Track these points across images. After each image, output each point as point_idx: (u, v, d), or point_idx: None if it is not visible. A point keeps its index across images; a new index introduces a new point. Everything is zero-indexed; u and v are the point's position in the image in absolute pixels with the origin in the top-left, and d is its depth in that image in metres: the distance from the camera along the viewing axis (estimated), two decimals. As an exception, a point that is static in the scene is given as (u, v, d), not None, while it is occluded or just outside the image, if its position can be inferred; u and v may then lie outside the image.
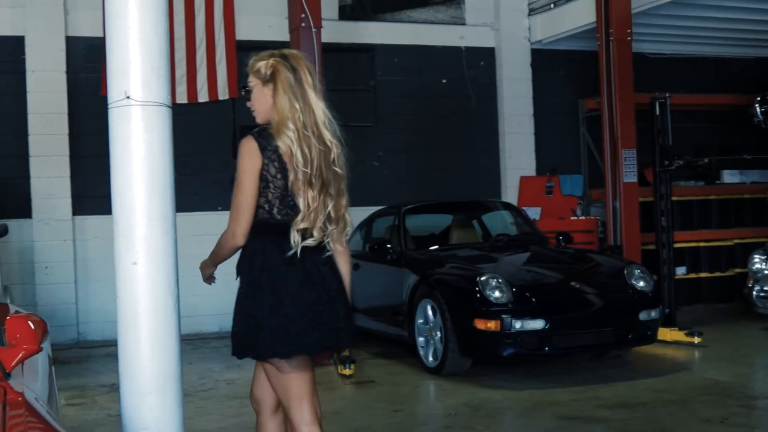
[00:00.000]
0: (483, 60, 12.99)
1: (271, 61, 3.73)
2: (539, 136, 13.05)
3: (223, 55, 11.73)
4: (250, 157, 3.61)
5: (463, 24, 12.93)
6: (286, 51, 3.81)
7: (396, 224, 9.76)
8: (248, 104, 3.80)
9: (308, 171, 3.64)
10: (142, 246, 3.03)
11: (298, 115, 3.67)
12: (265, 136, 3.68)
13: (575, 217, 12.66)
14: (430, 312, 8.24)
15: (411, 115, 12.58)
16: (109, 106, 3.08)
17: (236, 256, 3.71)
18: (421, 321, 8.40)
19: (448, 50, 12.83)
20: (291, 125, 3.65)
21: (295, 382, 3.71)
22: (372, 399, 7.35)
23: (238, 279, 3.64)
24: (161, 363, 3.00)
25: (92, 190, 11.11)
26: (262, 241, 3.63)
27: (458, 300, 7.96)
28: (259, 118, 3.78)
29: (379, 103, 12.52)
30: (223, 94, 11.75)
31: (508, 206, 10.80)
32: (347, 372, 8.17)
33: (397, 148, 12.52)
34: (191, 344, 10.43)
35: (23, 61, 10.93)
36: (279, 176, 3.64)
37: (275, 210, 3.65)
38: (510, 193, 12.82)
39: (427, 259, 8.97)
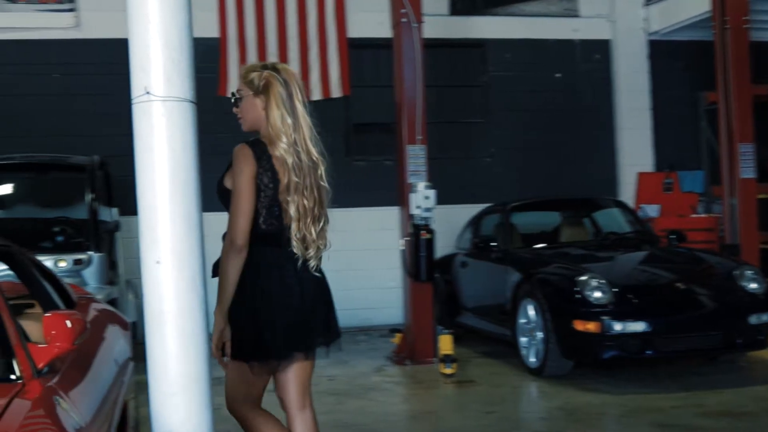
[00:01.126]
0: (598, 53, 12.70)
1: (264, 73, 3.85)
2: (657, 131, 12.68)
3: (335, 53, 11.81)
4: (247, 162, 3.69)
5: (577, 16, 12.67)
6: (279, 65, 3.95)
7: (502, 222, 9.68)
8: (235, 110, 3.92)
9: (299, 180, 3.74)
10: (165, 245, 3.05)
11: (290, 130, 3.79)
12: (258, 145, 3.77)
13: (695, 215, 12.28)
14: (532, 311, 8.13)
15: (523, 111, 12.41)
16: (132, 103, 3.14)
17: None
18: (523, 320, 8.30)
19: (562, 43, 12.60)
20: (284, 138, 3.76)
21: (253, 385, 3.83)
22: (468, 399, 7.31)
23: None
24: (187, 363, 3.03)
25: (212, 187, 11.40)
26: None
27: (558, 300, 7.84)
28: (245, 127, 3.91)
29: (491, 98, 12.40)
30: (336, 91, 11.85)
31: (619, 204, 10.55)
32: (448, 371, 8.15)
33: (510, 145, 12.38)
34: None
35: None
36: (270, 185, 3.73)
37: (261, 219, 3.73)
38: (626, 190, 12.52)
39: (531, 258, 8.86)
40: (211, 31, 10.97)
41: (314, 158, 3.87)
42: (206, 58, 11.19)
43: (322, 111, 11.56)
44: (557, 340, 7.69)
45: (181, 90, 3.06)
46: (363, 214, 11.72)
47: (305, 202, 3.76)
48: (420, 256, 8.81)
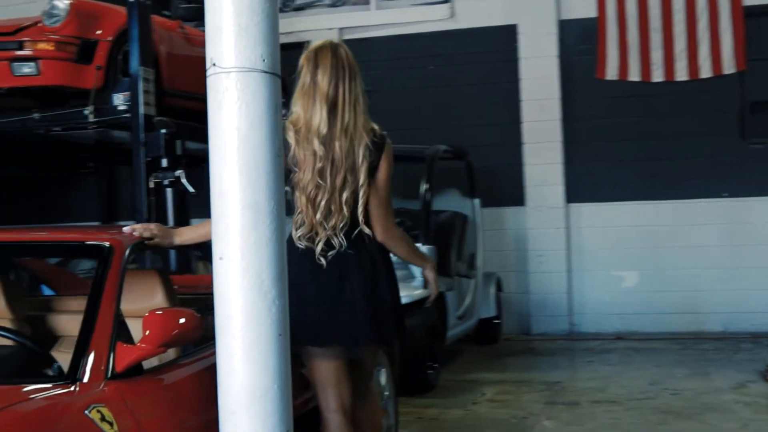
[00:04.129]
0: None
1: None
2: None
3: (728, 23, 10.50)
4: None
5: None
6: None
7: None
8: None
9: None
10: (228, 238, 2.51)
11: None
12: None
13: None
14: None
15: None
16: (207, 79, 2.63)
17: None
18: None
19: None
20: None
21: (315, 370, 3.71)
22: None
23: None
24: (249, 377, 2.48)
25: (586, 177, 10.78)
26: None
27: None
28: None
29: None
30: (728, 67, 10.56)
31: None
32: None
33: None
34: (681, 344, 9.55)
35: (515, 49, 10.89)
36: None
37: None
38: None
39: None
40: (588, 11, 10.34)
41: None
42: (583, 40, 10.58)
43: (711, 90, 10.56)
44: None
45: (250, 59, 2.51)
46: (760, 204, 10.33)
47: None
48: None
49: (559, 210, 10.78)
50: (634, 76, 10.27)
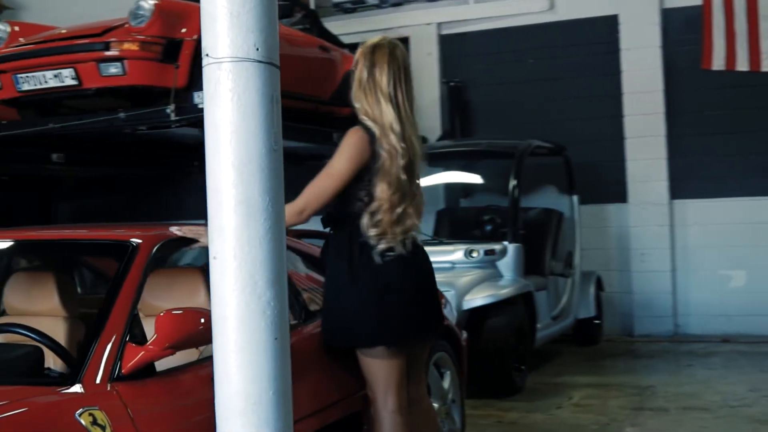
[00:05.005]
0: None
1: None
2: None
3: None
4: None
5: None
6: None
7: None
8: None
9: None
10: (223, 236, 2.38)
11: None
12: None
13: None
14: None
15: None
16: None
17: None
18: None
19: None
20: None
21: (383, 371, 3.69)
22: None
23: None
24: (243, 381, 2.35)
25: (691, 172, 10.32)
26: None
27: None
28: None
29: None
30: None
31: None
32: None
33: None
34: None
35: (617, 40, 10.53)
36: None
37: None
38: None
39: None
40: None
41: None
42: (688, 29, 10.15)
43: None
44: None
45: (242, 48, 2.37)
46: None
47: None
48: None
49: (663, 207, 10.36)
50: (743, 65, 9.79)
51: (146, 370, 2.77)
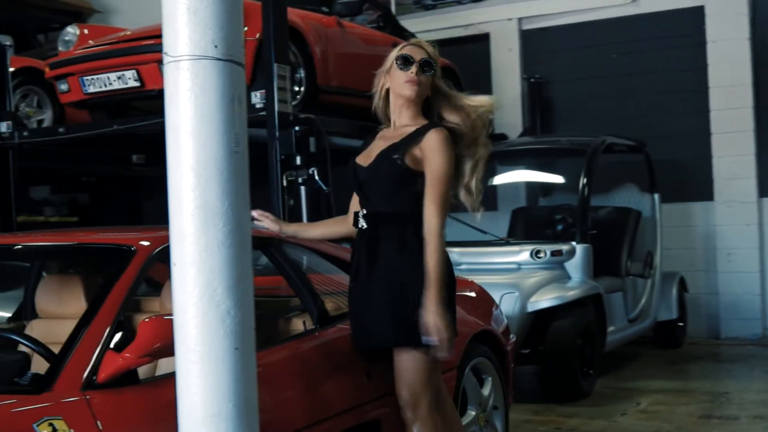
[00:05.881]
0: None
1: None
2: None
3: None
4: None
5: None
6: None
7: None
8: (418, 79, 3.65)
9: None
10: (183, 242, 2.29)
11: None
12: None
13: None
14: None
15: None
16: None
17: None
18: None
19: None
20: None
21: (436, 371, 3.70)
22: None
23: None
24: (202, 393, 2.26)
25: (782, 170, 9.89)
26: None
27: None
28: (414, 97, 3.67)
29: None
30: None
31: None
32: None
33: None
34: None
35: (703, 33, 10.14)
36: None
37: None
38: None
39: None
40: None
41: None
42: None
43: None
44: None
45: (200, 46, 2.29)
46: None
47: None
48: None
49: (751, 205, 9.92)
50: (836, 56, 9.34)
51: (127, 378, 2.71)
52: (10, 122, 8.04)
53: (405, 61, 3.63)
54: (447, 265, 3.59)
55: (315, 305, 3.73)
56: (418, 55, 3.66)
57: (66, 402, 2.56)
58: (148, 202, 12.34)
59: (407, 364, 3.58)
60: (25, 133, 7.99)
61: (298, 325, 3.75)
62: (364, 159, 3.74)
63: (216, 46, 2.32)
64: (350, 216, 3.86)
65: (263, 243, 3.75)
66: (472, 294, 4.88)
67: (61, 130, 7.81)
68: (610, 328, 7.78)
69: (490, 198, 10.55)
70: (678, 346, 9.36)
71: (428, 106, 3.77)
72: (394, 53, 3.71)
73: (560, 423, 6.23)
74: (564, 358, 6.91)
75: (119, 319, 2.86)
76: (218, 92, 2.32)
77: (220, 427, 2.29)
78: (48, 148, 8.26)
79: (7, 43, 8.72)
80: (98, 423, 2.54)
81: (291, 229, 3.93)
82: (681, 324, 9.41)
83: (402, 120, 3.72)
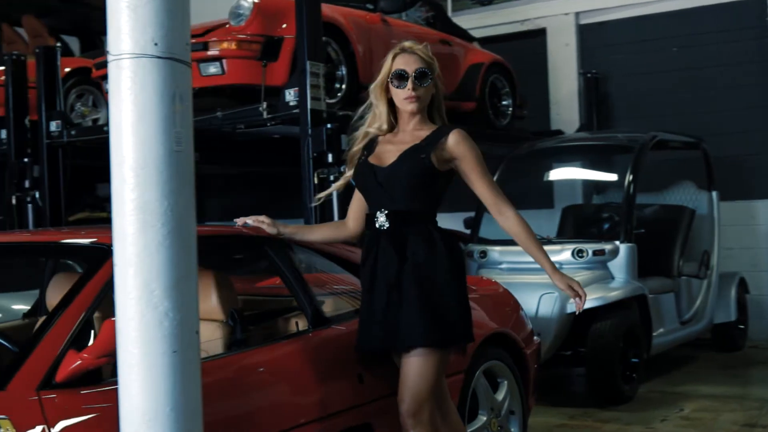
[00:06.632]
0: None
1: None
2: None
3: None
4: None
5: None
6: None
7: None
8: (416, 91, 3.59)
9: None
10: (124, 243, 2.24)
11: None
12: None
13: None
14: None
15: None
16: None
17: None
18: None
19: None
20: None
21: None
22: None
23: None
24: (140, 396, 2.21)
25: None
26: None
27: None
28: (417, 109, 3.63)
29: None
30: None
31: None
32: None
33: None
34: None
35: (765, 25, 9.79)
36: None
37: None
38: None
39: None
40: None
41: None
42: None
43: None
44: None
45: (139, 44, 2.25)
46: None
47: None
48: None
49: (819, 205, 9.61)
50: None
51: (89, 379, 2.68)
52: (59, 121, 8.19)
53: (399, 78, 3.58)
54: (463, 260, 3.69)
55: (310, 306, 3.67)
56: (411, 65, 3.59)
57: (19, 402, 2.54)
58: (210, 199, 12.50)
59: (418, 369, 3.50)
60: (73, 132, 8.11)
61: (292, 326, 3.70)
62: (377, 161, 3.68)
63: (156, 44, 2.28)
64: (350, 219, 3.85)
65: (259, 243, 3.71)
66: (492, 295, 4.77)
67: (105, 128, 7.88)
68: (659, 330, 7.56)
69: (546, 195, 10.41)
70: (738, 349, 9.05)
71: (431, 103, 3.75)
72: (387, 65, 3.65)
73: (595, 428, 6.06)
74: (605, 361, 6.73)
75: (88, 318, 2.84)
76: (158, 91, 2.28)
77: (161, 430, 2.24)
78: (97, 146, 8.37)
79: (58, 45, 8.89)
80: (47, 423, 2.52)
81: (288, 231, 3.88)
82: (741, 326, 9.11)
83: (412, 125, 3.69)
